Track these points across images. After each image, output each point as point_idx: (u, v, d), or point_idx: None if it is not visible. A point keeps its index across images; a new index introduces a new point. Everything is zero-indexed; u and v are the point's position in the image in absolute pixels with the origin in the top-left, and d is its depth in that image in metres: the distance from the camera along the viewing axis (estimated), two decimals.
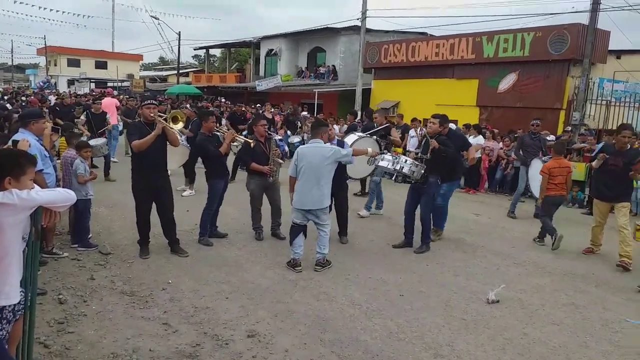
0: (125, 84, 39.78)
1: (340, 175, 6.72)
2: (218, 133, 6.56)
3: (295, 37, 28.88)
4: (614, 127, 12.98)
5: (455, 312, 4.57)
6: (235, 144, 6.82)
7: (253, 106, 18.84)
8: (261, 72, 31.64)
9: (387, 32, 24.69)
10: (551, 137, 11.71)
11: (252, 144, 6.34)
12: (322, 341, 3.91)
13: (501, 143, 11.88)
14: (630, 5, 14.93)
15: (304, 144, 9.18)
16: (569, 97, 15.06)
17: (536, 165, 8.30)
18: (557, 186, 6.93)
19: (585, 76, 14.11)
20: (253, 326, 4.09)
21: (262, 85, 26.19)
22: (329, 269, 5.51)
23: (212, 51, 43.19)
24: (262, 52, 31.77)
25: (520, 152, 9.05)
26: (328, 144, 5.62)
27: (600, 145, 8.52)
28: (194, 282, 4.97)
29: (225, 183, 6.42)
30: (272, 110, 17.20)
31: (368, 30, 21.61)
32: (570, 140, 11.57)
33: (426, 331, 4.17)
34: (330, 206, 6.60)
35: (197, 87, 32.20)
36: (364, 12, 20.30)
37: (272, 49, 30.16)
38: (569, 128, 12.87)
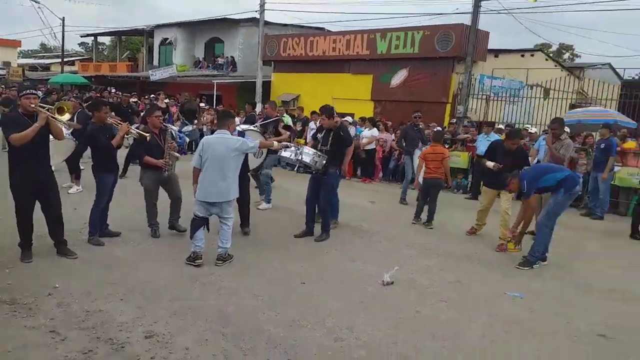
0: (0, 72, 35.87)
1: (242, 166, 6.68)
2: (113, 124, 6.18)
3: (192, 27, 27.94)
4: (493, 119, 14.24)
5: (354, 296, 4.77)
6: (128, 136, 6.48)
7: (147, 97, 17.92)
8: (155, 62, 30.24)
9: (285, 25, 24.77)
10: (438, 129, 12.55)
11: (147, 138, 6.09)
12: (224, 335, 3.88)
13: (393, 135, 12.50)
14: (507, 9, 16.41)
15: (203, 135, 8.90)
16: (454, 92, 16.21)
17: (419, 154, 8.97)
18: (432, 170, 7.55)
19: (468, 73, 15.30)
20: (151, 326, 3.94)
21: (156, 75, 25.05)
22: (230, 263, 5.46)
23: (101, 39, 40.45)
24: (156, 41, 30.36)
25: (403, 143, 9.65)
26: (235, 135, 5.58)
27: (494, 138, 9.41)
28: (85, 285, 4.65)
29: (115, 178, 6.07)
30: (168, 100, 16.53)
31: (267, 23, 21.52)
32: (455, 132, 12.49)
33: (327, 316, 4.29)
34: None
35: (84, 77, 29.96)
36: (262, 5, 20.19)
37: (167, 38, 28.92)
38: (454, 120, 13.88)
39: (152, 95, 18.56)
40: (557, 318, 4.51)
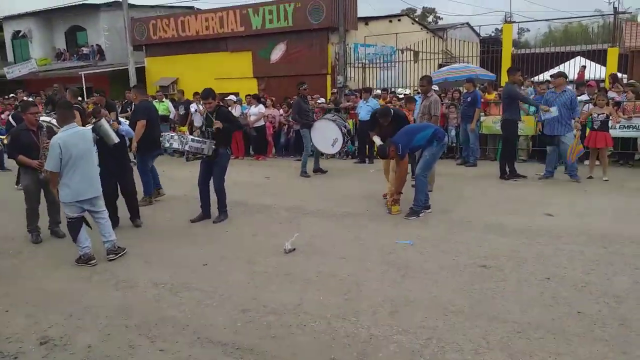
0: None
1: (123, 157, 6.38)
2: None
3: (48, 16, 25.42)
4: (371, 86, 14.89)
5: (258, 268, 4.84)
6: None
7: (6, 97, 16.15)
8: (9, 58, 27.21)
9: (152, 7, 23.52)
10: (322, 100, 12.88)
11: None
12: (127, 328, 3.76)
13: (281, 110, 12.60)
14: None
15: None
16: (332, 63, 16.62)
17: (322, 124, 9.21)
18: None
19: (342, 43, 15.74)
20: (45, 332, 3.71)
21: (14, 72, 22.62)
22: (124, 256, 5.24)
23: None
24: (7, 35, 27.28)
25: (297, 116, 9.73)
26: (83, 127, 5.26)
27: (373, 103, 9.93)
28: None
29: None
30: (29, 98, 15.02)
31: (132, 6, 20.28)
32: (337, 100, 12.89)
33: (233, 292, 4.33)
34: (116, 192, 6.28)
35: None
36: None
37: (20, 31, 26.12)
38: (335, 90, 14.30)
39: (12, 95, 16.73)
40: (444, 256, 4.96)
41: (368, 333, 3.54)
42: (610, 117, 8.46)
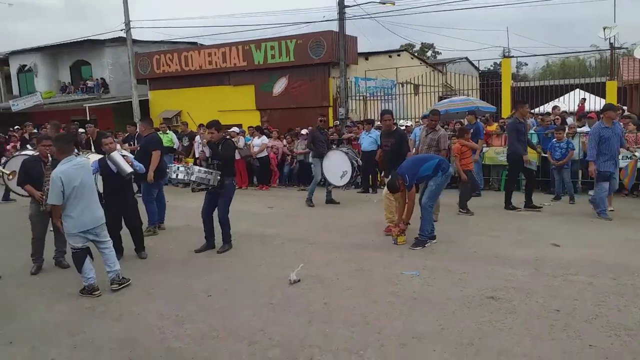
0: None
1: (127, 189, 6.39)
2: None
3: (53, 51, 25.90)
4: (372, 117, 15.05)
5: (262, 299, 4.78)
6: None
7: (12, 129, 16.30)
8: (15, 91, 27.58)
9: (155, 42, 23.96)
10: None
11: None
12: None
13: (284, 141, 12.70)
14: (369, 14, 17.46)
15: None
16: (334, 95, 16.85)
17: (335, 156, 9.38)
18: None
19: (343, 76, 16.03)
20: None
21: (19, 104, 22.88)
22: (128, 287, 5.19)
23: None
24: (13, 69, 27.74)
25: (313, 146, 9.83)
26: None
27: (375, 134, 10.08)
28: None
29: None
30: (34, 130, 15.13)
31: (135, 41, 20.70)
32: (340, 132, 13.01)
33: (238, 324, 4.26)
34: (120, 223, 6.27)
35: None
36: (127, 23, 19.39)
37: (26, 65, 26.56)
38: (337, 122, 14.45)
39: (17, 127, 16.87)
40: (451, 287, 4.91)
41: None
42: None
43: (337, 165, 9.35)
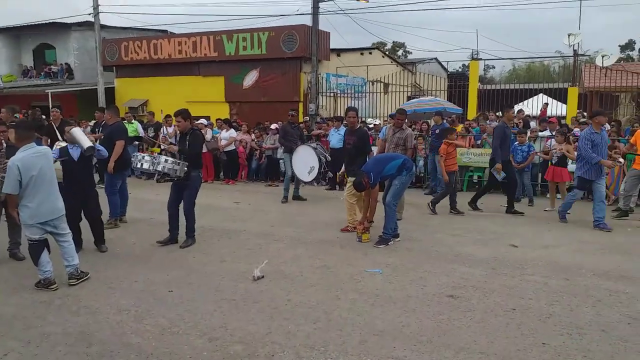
0: None
1: (88, 179, 6.24)
2: None
3: (15, 32, 24.89)
4: (342, 115, 15.10)
5: (225, 295, 4.76)
6: None
7: None
8: None
9: (124, 28, 23.37)
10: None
11: None
12: (88, 355, 3.62)
13: (252, 135, 12.61)
14: (343, 10, 17.50)
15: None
16: (305, 91, 16.82)
17: (304, 151, 9.20)
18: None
19: (314, 72, 16.01)
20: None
21: None
22: (87, 280, 5.07)
23: None
24: None
25: (283, 141, 9.75)
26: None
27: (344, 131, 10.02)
28: None
29: None
30: None
31: (103, 27, 20.13)
32: (309, 128, 13.02)
33: (199, 319, 4.23)
34: (80, 215, 6.11)
35: None
36: (95, 7, 18.85)
37: None
38: (307, 118, 14.44)
39: None
40: (412, 285, 5.00)
41: None
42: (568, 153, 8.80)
43: (304, 161, 9.25)
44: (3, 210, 5.60)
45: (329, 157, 9.76)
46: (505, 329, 4.01)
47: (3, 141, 5.73)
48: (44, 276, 4.86)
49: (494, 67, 50.37)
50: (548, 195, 9.06)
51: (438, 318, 4.23)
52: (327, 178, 11.42)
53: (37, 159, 4.77)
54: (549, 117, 12.77)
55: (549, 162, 8.93)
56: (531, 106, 17.33)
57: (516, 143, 9.43)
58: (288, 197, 9.57)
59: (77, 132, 5.93)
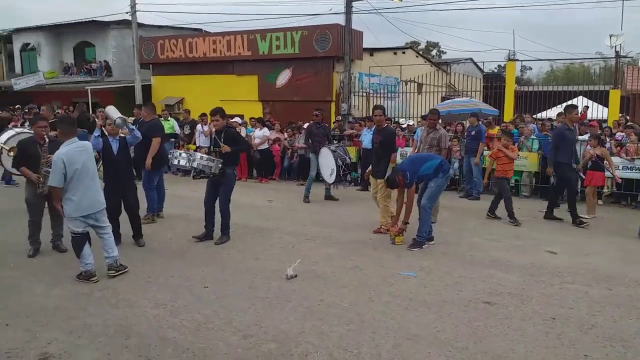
0: None
1: (129, 174, 6.38)
2: None
3: (57, 31, 25.75)
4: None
5: (259, 293, 4.79)
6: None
7: (10, 108, 16.22)
8: (17, 69, 27.46)
9: (161, 27, 23.85)
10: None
11: (10, 153, 5.63)
12: (127, 348, 3.70)
13: (285, 134, 12.68)
14: (377, 9, 17.39)
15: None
16: (337, 90, 16.80)
17: (324, 153, 9.14)
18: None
19: (347, 71, 15.96)
20: (45, 349, 3.65)
21: (21, 83, 22.78)
22: (125, 274, 5.19)
23: None
24: (16, 47, 27.57)
25: (309, 141, 9.76)
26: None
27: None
28: None
29: None
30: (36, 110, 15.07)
31: (140, 25, 20.58)
32: (341, 128, 12.99)
33: (233, 316, 4.27)
34: (120, 208, 6.26)
35: None
36: (133, 6, 19.29)
37: (29, 43, 26.43)
38: (340, 117, 14.41)
39: (18, 106, 16.79)
40: (447, 290, 4.93)
41: None
42: (605, 158, 8.53)
43: (326, 163, 9.22)
44: (46, 203, 5.80)
45: (349, 160, 9.64)
46: (544, 339, 3.91)
47: (46, 136, 5.92)
48: (86, 268, 5.00)
49: (530, 69, 49.21)
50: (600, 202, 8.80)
51: (474, 324, 4.15)
52: (348, 180, 11.26)
53: (80, 154, 4.91)
54: (590, 121, 12.39)
55: (586, 167, 8.68)
56: None
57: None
58: (309, 197, 9.51)
59: (111, 109, 6.20)
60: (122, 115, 6.06)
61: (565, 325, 4.13)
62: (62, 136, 5.02)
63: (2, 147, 6.02)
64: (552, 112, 15.07)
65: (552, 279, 5.26)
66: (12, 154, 5.76)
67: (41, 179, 5.63)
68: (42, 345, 3.71)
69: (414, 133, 10.94)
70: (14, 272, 5.29)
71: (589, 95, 16.54)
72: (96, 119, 9.33)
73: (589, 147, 9.13)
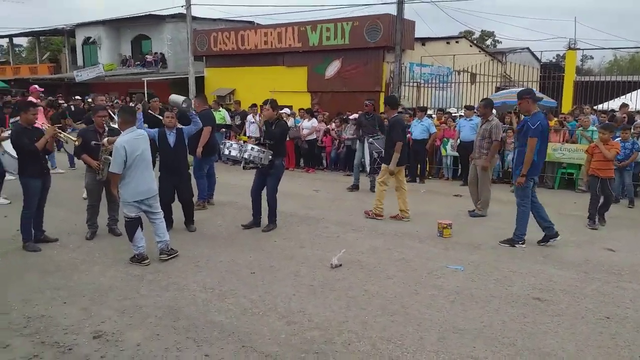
0: None
1: (184, 165, 6.58)
2: (43, 127, 5.89)
3: (116, 24, 26.86)
4: (425, 105, 14.77)
5: (304, 281, 4.84)
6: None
7: (74, 98, 17.06)
8: (79, 62, 28.87)
9: (214, 20, 24.36)
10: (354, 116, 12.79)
11: (76, 142, 5.92)
12: (175, 329, 3.84)
13: (332, 124, 12.68)
14: None
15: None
16: (387, 81, 16.61)
17: (365, 144, 9.09)
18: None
19: (398, 61, 15.75)
20: (98, 327, 3.84)
21: (83, 75, 23.93)
22: (176, 258, 5.38)
23: (17, 40, 37.99)
24: (78, 41, 28.98)
25: (360, 132, 9.77)
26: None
27: (427, 122, 10.17)
28: (23, 292, 4.45)
29: (44, 182, 5.73)
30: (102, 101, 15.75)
31: (195, 18, 21.11)
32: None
33: (279, 302, 4.34)
34: (174, 197, 6.48)
35: (2, 80, 28.11)
36: (188, 0, 19.78)
37: (90, 37, 27.68)
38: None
39: (77, 97, 17.63)
40: (496, 285, 4.80)
41: (413, 358, 3.45)
42: None
43: (366, 154, 9.28)
44: (104, 189, 6.08)
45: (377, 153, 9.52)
46: (597, 338, 3.74)
47: (105, 125, 6.19)
48: (138, 251, 5.21)
49: (592, 58, 46.84)
50: None
51: (523, 320, 4.03)
52: (406, 170, 11.14)
53: (139, 142, 5.13)
54: None
55: None
56: (635, 100, 15.90)
57: (618, 139, 8.72)
58: (358, 185, 9.63)
59: (175, 96, 6.69)
60: (186, 97, 6.38)
61: (620, 325, 3.94)
62: (123, 125, 5.24)
63: (68, 138, 6.34)
64: (614, 104, 14.27)
65: (608, 277, 5.01)
66: (77, 143, 6.04)
67: (101, 166, 5.90)
68: (97, 323, 3.90)
69: (457, 124, 10.72)
70: (73, 253, 5.58)
71: None
72: (152, 112, 9.63)
73: None
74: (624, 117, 10.59)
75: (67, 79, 26.28)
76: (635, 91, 16.47)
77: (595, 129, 9.99)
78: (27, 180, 5.57)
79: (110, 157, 5.95)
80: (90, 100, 15.69)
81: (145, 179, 5.17)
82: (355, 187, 9.71)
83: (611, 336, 3.77)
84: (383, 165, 7.38)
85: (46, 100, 13.30)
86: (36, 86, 12.33)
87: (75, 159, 8.92)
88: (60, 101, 16.52)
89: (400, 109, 14.38)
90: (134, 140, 5.09)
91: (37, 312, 4.05)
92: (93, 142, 6.02)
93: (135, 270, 5.08)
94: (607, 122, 9.30)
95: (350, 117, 12.15)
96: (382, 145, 9.26)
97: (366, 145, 9.20)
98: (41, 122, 9.65)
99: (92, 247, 5.80)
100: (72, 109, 11.87)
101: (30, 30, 31.56)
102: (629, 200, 8.55)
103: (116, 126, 6.12)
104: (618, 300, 4.44)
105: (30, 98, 11.21)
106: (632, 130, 8.95)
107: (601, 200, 7.04)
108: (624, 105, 11.81)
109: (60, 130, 6.18)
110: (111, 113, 8.33)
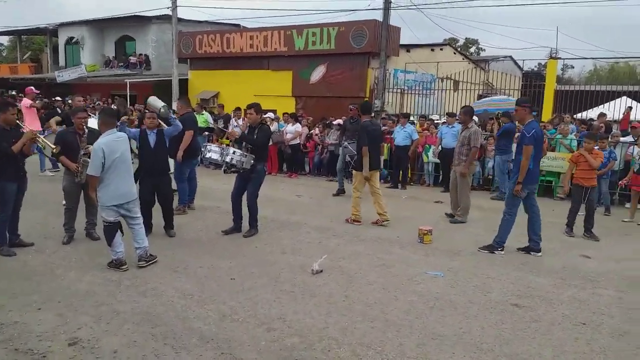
0: None
1: (164, 166, 6.52)
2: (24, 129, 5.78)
3: (100, 25, 26.58)
4: (408, 111, 14.87)
5: (284, 287, 4.82)
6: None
7: (53, 99, 16.85)
8: (61, 62, 28.48)
9: (200, 22, 24.26)
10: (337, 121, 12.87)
11: (54, 150, 5.83)
12: (153, 336, 3.79)
13: (316, 129, 12.68)
14: (416, 5, 17.18)
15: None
16: (371, 87, 16.69)
17: (352, 148, 9.17)
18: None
19: (382, 68, 15.84)
20: (74, 333, 3.77)
21: (64, 76, 23.60)
22: (155, 263, 5.31)
23: None
24: (61, 41, 28.59)
25: (344, 138, 9.80)
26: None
27: (410, 129, 10.17)
28: None
29: (20, 186, 5.59)
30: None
31: (180, 20, 20.99)
32: None
33: (258, 308, 4.31)
34: (154, 200, 6.41)
35: None
36: (174, 1, 19.66)
37: (73, 37, 27.34)
38: (372, 114, 14.30)
39: (58, 98, 17.39)
40: (475, 291, 4.84)
41: None
42: None
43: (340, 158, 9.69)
44: (82, 191, 5.99)
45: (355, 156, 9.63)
46: (573, 344, 3.79)
47: (84, 127, 6.10)
48: (116, 257, 5.13)
49: (572, 67, 47.71)
50: (627, 205, 8.47)
51: (501, 327, 4.07)
52: (388, 176, 11.28)
53: (118, 144, 5.07)
54: (632, 122, 11.91)
55: (633, 170, 8.32)
56: (612, 109, 16.24)
57: (597, 147, 8.87)
58: (344, 190, 9.69)
59: (153, 99, 6.68)
60: (164, 104, 6.29)
61: (596, 332, 4.00)
62: (103, 126, 5.17)
63: (46, 144, 6.23)
64: (593, 113, 14.55)
65: (584, 283, 5.10)
66: (55, 151, 5.93)
67: (79, 168, 5.81)
68: (72, 330, 3.83)
69: (438, 130, 10.87)
70: (49, 258, 5.48)
71: (634, 95, 15.91)
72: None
73: (631, 149, 8.80)
74: (601, 126, 10.80)
75: (48, 79, 25.89)
76: (614, 101, 16.83)
77: (573, 137, 10.17)
78: (3, 184, 5.44)
79: (89, 160, 5.88)
80: (70, 101, 15.49)
81: (124, 182, 5.10)
82: (341, 192, 9.72)
83: (587, 342, 3.83)
84: (355, 172, 7.48)
85: (42, 102, 13.08)
86: (32, 88, 12.11)
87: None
88: (56, 104, 16.26)
89: (384, 115, 14.54)
90: (113, 142, 5.02)
91: (11, 319, 3.96)
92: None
93: (112, 275, 5.00)
94: (586, 131, 9.47)
95: (334, 122, 12.17)
96: (355, 148, 9.34)
97: (343, 150, 9.38)
98: (28, 123, 9.53)
99: (69, 252, 5.71)
100: (59, 111, 11.68)
101: (12, 29, 31.03)
102: (605, 208, 8.71)
103: (95, 126, 6.02)
104: (594, 306, 4.51)
105: (26, 99, 11.06)
106: (609, 140, 9.13)
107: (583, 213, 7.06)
108: (602, 115, 12.05)
109: (38, 135, 6.07)
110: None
